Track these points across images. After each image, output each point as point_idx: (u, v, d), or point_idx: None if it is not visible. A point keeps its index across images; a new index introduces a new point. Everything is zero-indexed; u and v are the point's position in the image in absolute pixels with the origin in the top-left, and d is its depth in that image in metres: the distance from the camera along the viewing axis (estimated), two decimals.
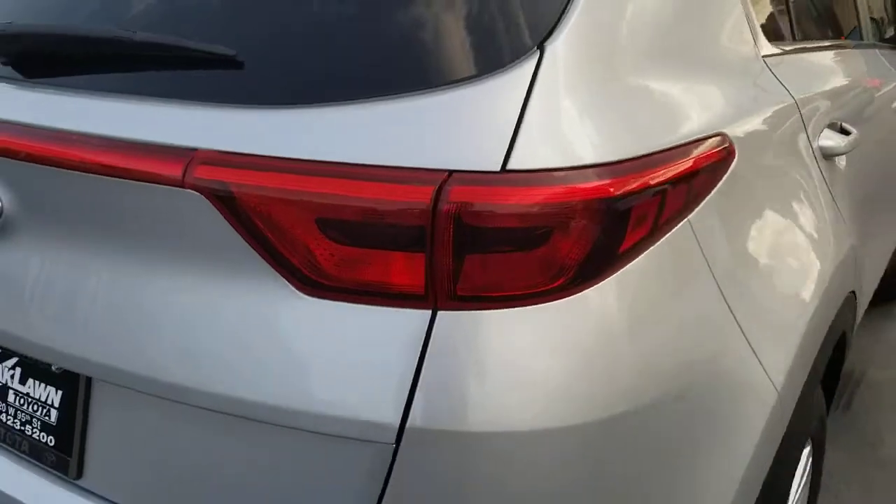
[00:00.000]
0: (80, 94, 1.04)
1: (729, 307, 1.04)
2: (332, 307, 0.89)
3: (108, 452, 1.09)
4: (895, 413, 2.48)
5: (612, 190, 0.88)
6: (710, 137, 1.05)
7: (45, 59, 1.10)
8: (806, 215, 1.30)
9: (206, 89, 0.96)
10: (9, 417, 1.18)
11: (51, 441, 1.13)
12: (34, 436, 1.15)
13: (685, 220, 0.99)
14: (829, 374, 1.48)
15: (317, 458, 0.92)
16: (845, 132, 1.53)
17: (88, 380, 1.08)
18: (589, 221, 0.87)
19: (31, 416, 1.15)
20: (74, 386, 1.10)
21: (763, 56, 1.34)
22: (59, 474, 1.13)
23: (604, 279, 0.90)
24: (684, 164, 0.99)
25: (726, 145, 1.07)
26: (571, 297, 0.89)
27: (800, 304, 1.21)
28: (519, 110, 0.87)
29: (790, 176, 1.29)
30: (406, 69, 0.90)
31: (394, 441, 0.87)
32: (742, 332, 1.06)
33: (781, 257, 1.20)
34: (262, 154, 0.90)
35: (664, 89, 1.05)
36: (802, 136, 1.35)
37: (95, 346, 1.02)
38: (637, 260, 0.93)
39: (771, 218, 1.20)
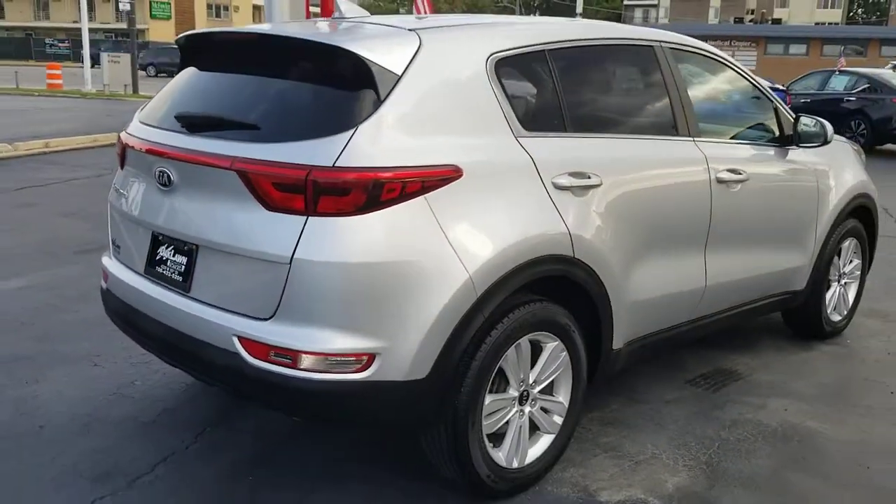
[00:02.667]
0: (230, 139, 2.71)
1: (444, 233, 2.50)
2: (273, 214, 2.47)
3: (200, 280, 2.71)
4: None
5: (374, 176, 2.41)
6: (446, 165, 2.55)
7: (195, 125, 2.79)
8: (521, 205, 2.73)
9: (236, 136, 2.61)
10: (166, 270, 2.84)
11: (179, 277, 2.77)
12: (173, 276, 2.79)
13: (423, 196, 2.49)
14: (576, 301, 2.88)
15: (264, 269, 2.48)
16: (587, 177, 2.94)
17: (197, 248, 2.71)
18: (365, 188, 2.40)
19: (174, 269, 2.80)
20: (193, 252, 2.73)
21: (517, 136, 2.80)
22: (181, 290, 2.76)
23: (374, 211, 2.42)
24: (421, 174, 2.49)
25: (457, 169, 2.56)
26: (361, 216, 2.42)
27: (500, 240, 2.63)
28: (341, 148, 2.43)
29: (509, 190, 2.72)
30: (300, 131, 2.50)
31: (288, 263, 2.42)
32: (451, 246, 2.51)
33: (489, 224, 2.63)
34: (258, 159, 2.50)
35: (426, 144, 2.57)
36: (533, 174, 2.78)
37: (203, 232, 2.64)
38: (392, 207, 2.44)
39: (490, 202, 2.64)
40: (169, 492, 2.87)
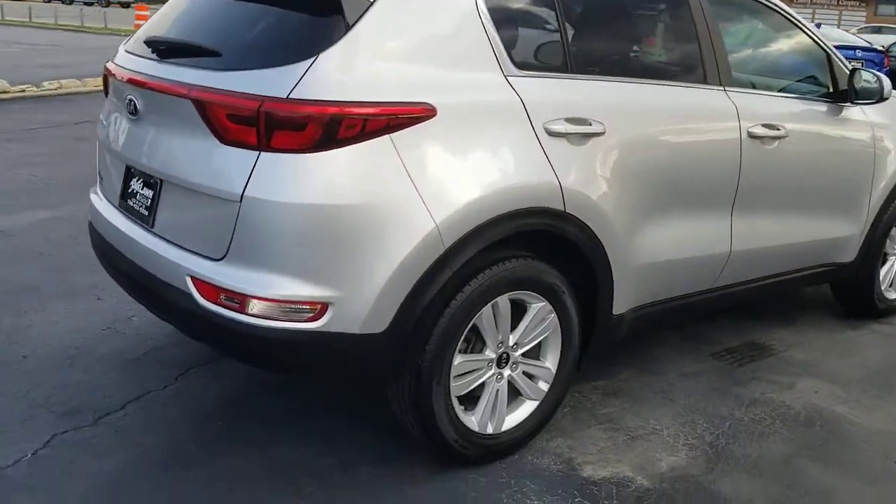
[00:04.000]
0: (192, 66, 2.53)
1: (410, 177, 2.29)
2: (226, 147, 2.30)
3: (162, 216, 2.58)
4: None
5: (333, 111, 2.21)
6: (417, 103, 2.32)
7: (163, 51, 2.64)
8: (503, 151, 2.48)
9: (199, 63, 2.43)
10: (135, 203, 2.72)
11: (146, 212, 2.65)
12: (141, 210, 2.67)
13: (388, 135, 2.28)
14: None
15: (217, 206, 2.33)
16: (588, 124, 2.66)
17: (161, 182, 2.57)
18: (322, 123, 2.20)
19: (141, 202, 2.68)
20: (158, 186, 2.60)
21: (507, 75, 2.54)
22: (146, 226, 2.64)
23: (332, 149, 2.22)
24: (387, 111, 2.28)
25: (429, 108, 2.33)
26: (317, 153, 2.22)
27: (474, 188, 2.39)
28: (297, 78, 2.22)
29: (490, 134, 2.47)
30: (259, 59, 2.31)
31: (238, 200, 2.26)
32: (418, 192, 2.30)
33: (463, 170, 2.40)
34: (213, 88, 2.33)
35: (397, 78, 2.34)
36: (521, 118, 2.52)
37: (165, 165, 2.50)
38: (352, 146, 2.24)
39: (467, 146, 2.40)
40: (131, 431, 2.79)
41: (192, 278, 2.39)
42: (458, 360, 2.53)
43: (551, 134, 2.58)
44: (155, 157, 2.57)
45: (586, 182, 2.67)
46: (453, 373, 2.53)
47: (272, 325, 2.28)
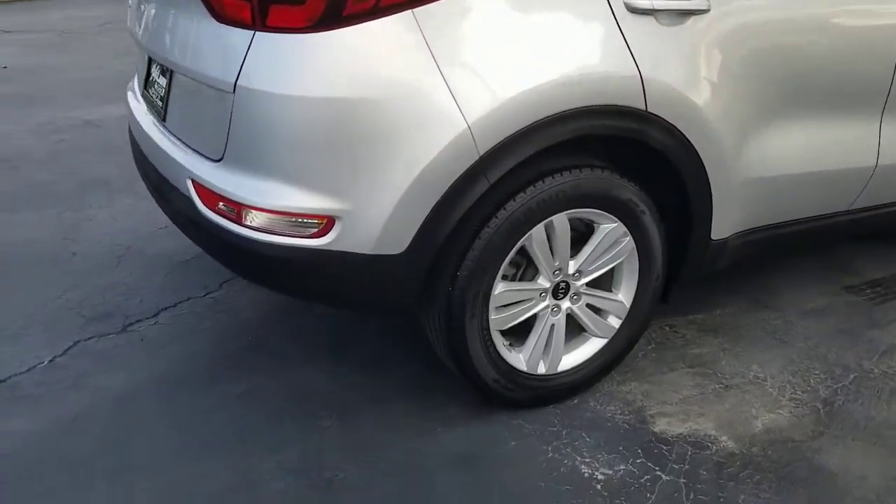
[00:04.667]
0: None
1: (436, 63, 1.83)
2: (220, 27, 1.91)
3: (172, 109, 2.26)
4: None
5: None
6: None
7: None
8: (564, 32, 1.95)
9: None
10: (153, 92, 2.42)
11: (160, 102, 2.34)
12: (157, 101, 2.37)
13: (410, 10, 1.81)
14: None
15: (214, 97, 1.96)
16: None
17: (172, 72, 2.24)
18: None
19: (157, 92, 2.37)
20: (170, 75, 2.27)
21: None
22: (160, 119, 2.34)
23: (339, 28, 1.79)
24: None
25: None
26: (321, 33, 1.80)
27: (520, 79, 1.90)
28: None
29: (547, 9, 1.94)
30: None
31: (232, 91, 1.89)
32: (446, 83, 1.84)
33: (507, 56, 1.90)
34: None
35: None
36: None
37: (170, 52, 2.16)
38: (364, 23, 1.79)
39: (514, 26, 1.90)
40: (155, 342, 2.59)
41: (193, 181, 2.07)
42: (499, 288, 2.10)
43: (633, 10, 2.02)
44: (163, 42, 2.23)
45: (679, 74, 2.10)
46: (494, 304, 2.11)
47: (270, 239, 1.94)
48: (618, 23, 2.00)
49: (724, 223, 2.39)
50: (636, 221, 2.21)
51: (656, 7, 2.03)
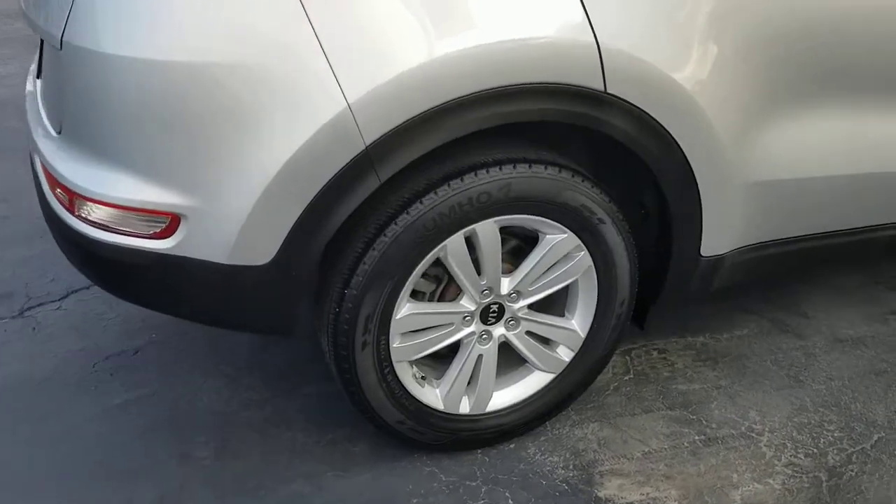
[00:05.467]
0: None
1: (311, 22, 1.38)
2: None
3: (42, 74, 1.87)
4: None
5: None
6: None
7: None
8: None
9: None
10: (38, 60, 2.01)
11: (37, 69, 1.95)
12: (38, 69, 1.97)
13: None
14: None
15: (53, 56, 1.57)
16: None
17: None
18: None
19: (39, 63, 1.96)
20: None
21: None
22: (35, 83, 1.95)
23: None
24: None
25: None
26: None
27: (424, 45, 1.43)
28: None
29: None
30: None
31: (59, 47, 1.48)
32: (323, 50, 1.39)
33: (415, 7, 1.44)
34: None
35: None
36: None
37: (34, 13, 1.71)
38: None
39: None
40: (48, 334, 2.26)
41: (39, 158, 1.70)
42: (404, 310, 1.66)
43: None
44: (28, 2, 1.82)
45: (656, 43, 1.59)
46: (397, 329, 1.68)
47: (104, 237, 1.55)
48: None
49: (720, 237, 1.89)
50: (593, 233, 1.73)
51: None
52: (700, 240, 1.86)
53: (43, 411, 1.98)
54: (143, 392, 2.05)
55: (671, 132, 1.67)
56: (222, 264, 1.52)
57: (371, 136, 1.45)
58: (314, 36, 1.40)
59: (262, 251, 1.52)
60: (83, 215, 1.56)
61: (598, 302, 1.84)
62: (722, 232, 1.88)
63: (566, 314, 1.87)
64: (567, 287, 1.81)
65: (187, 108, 1.43)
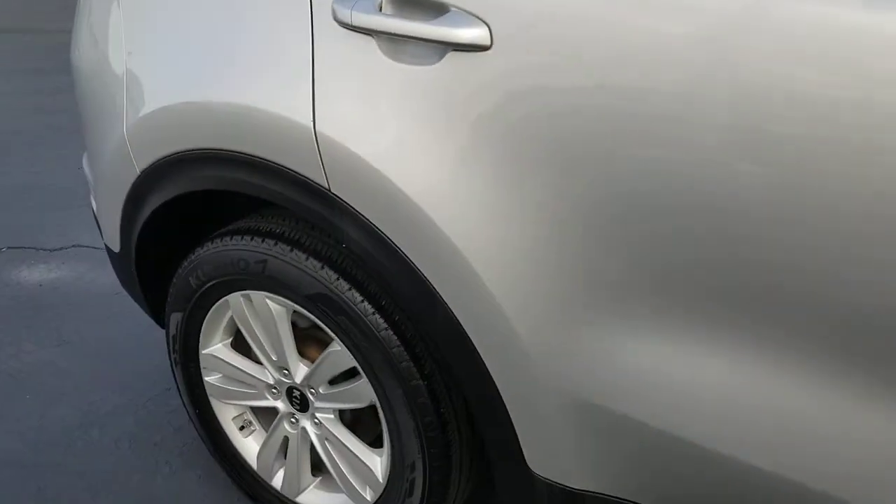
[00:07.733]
0: None
1: (124, 36, 1.51)
2: None
3: None
4: None
5: None
6: None
7: None
8: (236, 30, 1.32)
9: None
10: None
11: None
12: None
13: None
14: None
15: None
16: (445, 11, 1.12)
17: None
18: None
19: None
20: None
21: None
22: None
23: None
24: None
25: None
26: None
27: (167, 92, 1.41)
28: None
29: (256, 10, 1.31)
30: None
31: None
32: (125, 62, 1.49)
33: (184, 48, 1.39)
34: None
35: None
36: None
37: None
38: None
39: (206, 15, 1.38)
40: None
41: None
42: (211, 348, 1.65)
43: (344, 24, 1.20)
44: None
45: (398, 143, 1.17)
46: (204, 363, 1.67)
47: None
48: (312, 39, 1.24)
49: (559, 465, 1.25)
50: (367, 362, 1.38)
51: (383, 27, 1.15)
52: (520, 449, 1.26)
53: None
54: None
55: (418, 266, 1.20)
56: (112, 250, 1.78)
57: (141, 164, 1.50)
58: (123, 54, 1.51)
59: (113, 239, 1.72)
60: None
61: (390, 444, 1.45)
62: (557, 459, 1.23)
63: (383, 446, 1.51)
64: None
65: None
